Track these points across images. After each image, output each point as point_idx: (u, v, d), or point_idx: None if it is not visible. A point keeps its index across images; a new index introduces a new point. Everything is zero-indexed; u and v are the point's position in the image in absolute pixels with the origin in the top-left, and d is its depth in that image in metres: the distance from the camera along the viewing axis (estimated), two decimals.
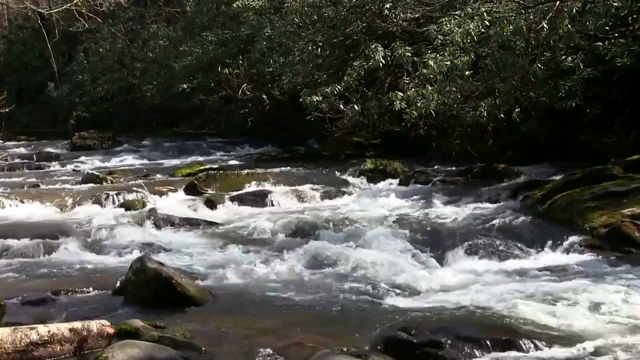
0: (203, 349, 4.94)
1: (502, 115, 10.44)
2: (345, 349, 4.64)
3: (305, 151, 17.19)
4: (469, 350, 4.75)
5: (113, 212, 10.42)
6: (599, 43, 10.01)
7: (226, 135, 20.91)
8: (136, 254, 7.70)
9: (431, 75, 9.94)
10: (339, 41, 13.50)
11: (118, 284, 6.45)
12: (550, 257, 7.29)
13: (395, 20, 11.81)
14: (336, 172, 13.06)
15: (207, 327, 5.42)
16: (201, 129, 22.60)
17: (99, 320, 5.02)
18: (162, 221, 9.58)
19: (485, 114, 10.08)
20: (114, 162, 17.65)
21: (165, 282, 5.97)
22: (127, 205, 10.71)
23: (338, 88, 11.59)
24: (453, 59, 9.72)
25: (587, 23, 9.49)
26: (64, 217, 10.30)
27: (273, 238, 8.72)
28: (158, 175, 14.25)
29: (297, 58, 14.49)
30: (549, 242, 7.57)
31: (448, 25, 9.59)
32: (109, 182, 13.02)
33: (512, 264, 7.12)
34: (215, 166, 14.63)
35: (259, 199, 10.94)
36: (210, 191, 11.45)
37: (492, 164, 11.74)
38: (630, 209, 7.74)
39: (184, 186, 11.80)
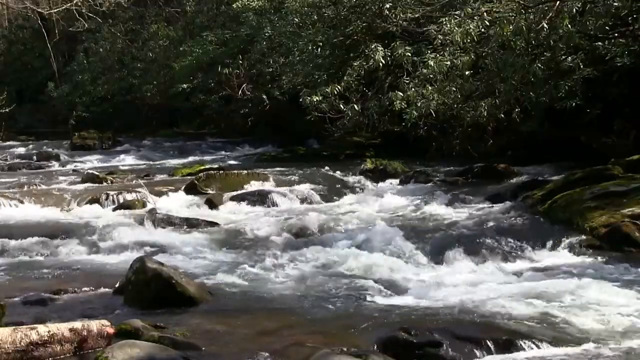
0: (203, 349, 4.94)
1: (502, 115, 10.46)
2: (345, 349, 4.64)
3: (305, 151, 17.19)
4: (469, 350, 4.76)
5: (113, 212, 10.42)
6: (599, 43, 10.02)
7: (226, 135, 20.91)
8: (136, 254, 7.69)
9: (431, 75, 9.94)
10: (339, 41, 13.52)
11: (118, 284, 6.45)
12: (550, 257, 7.30)
13: (395, 20, 11.81)
14: (336, 172, 13.05)
15: (207, 327, 5.41)
16: (201, 129, 22.61)
17: (99, 320, 5.01)
18: (162, 221, 9.56)
19: (485, 114, 10.09)
20: (114, 162, 17.63)
21: (165, 282, 5.98)
22: (127, 205, 10.70)
23: (338, 88, 11.58)
24: (453, 59, 9.71)
25: (587, 23, 9.48)
26: (64, 217, 10.28)
27: (273, 238, 8.70)
28: (158, 175, 14.24)
29: (297, 58, 14.51)
30: (549, 242, 7.57)
31: (448, 25, 9.58)
32: (109, 182, 13.01)
33: (512, 264, 7.13)
34: (215, 166, 14.62)
35: (259, 199, 10.92)
36: (210, 191, 11.44)
37: (492, 164, 11.76)
38: (630, 209, 7.75)
39: (184, 186, 11.79)
